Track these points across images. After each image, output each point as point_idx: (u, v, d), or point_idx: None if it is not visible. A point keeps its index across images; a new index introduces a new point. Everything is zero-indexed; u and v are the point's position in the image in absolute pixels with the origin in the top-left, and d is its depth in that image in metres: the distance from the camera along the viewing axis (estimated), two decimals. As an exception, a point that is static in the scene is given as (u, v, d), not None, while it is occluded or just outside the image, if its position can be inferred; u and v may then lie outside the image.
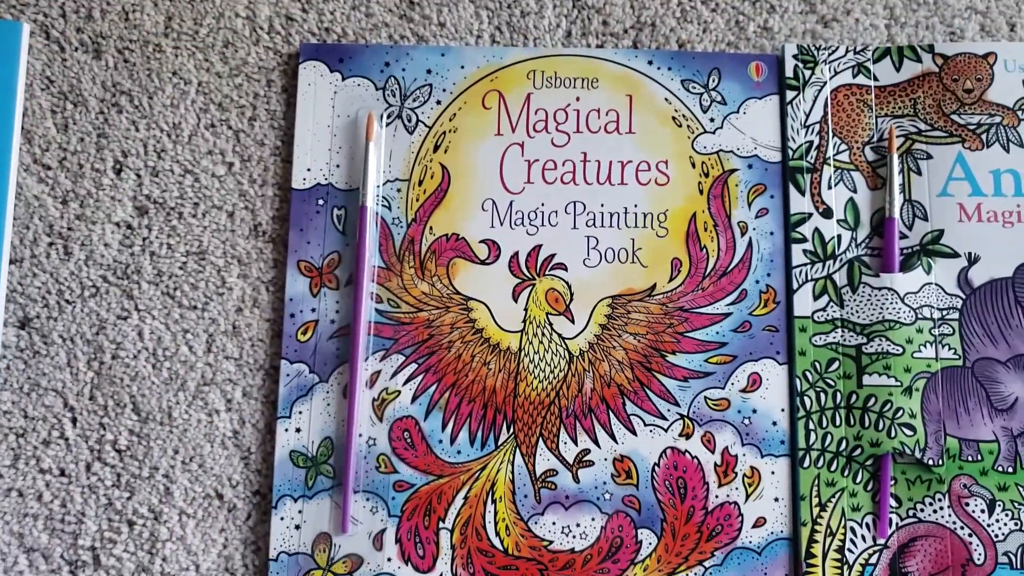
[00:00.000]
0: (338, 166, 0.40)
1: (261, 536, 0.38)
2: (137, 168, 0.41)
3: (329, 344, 0.38)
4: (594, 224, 0.40)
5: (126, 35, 0.42)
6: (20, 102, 0.41)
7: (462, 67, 0.41)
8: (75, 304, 0.40)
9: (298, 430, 0.38)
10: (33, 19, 0.42)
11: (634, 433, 0.38)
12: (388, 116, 0.40)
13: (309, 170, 0.40)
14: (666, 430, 0.38)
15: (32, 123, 0.41)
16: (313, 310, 0.39)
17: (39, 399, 0.39)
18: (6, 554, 0.38)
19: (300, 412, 0.38)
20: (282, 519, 0.37)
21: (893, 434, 0.38)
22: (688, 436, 0.38)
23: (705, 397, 0.38)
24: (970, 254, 0.39)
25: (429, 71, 0.41)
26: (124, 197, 0.41)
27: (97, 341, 0.39)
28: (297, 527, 0.37)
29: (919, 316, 0.39)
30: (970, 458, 0.38)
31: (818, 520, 0.38)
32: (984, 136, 0.40)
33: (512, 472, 0.38)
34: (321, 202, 0.40)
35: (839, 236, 0.40)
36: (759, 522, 0.38)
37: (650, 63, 0.41)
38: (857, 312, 0.39)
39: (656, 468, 0.38)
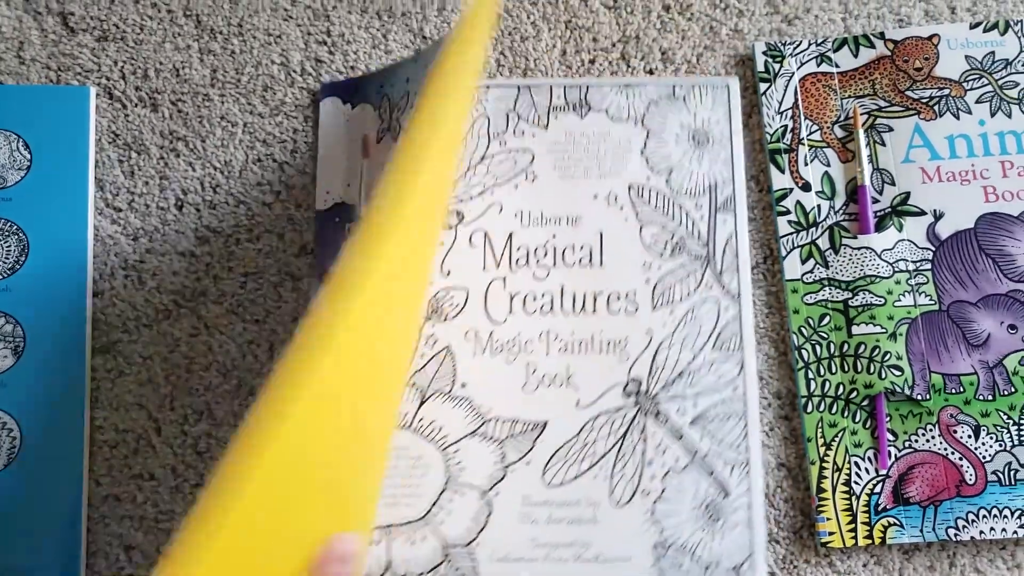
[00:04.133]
0: (348, 185, 0.46)
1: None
2: (196, 203, 0.46)
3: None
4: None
5: (178, 89, 0.48)
6: (92, 155, 0.46)
7: (426, 66, 0.44)
8: (151, 327, 0.45)
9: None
10: (97, 83, 0.48)
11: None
12: (380, 132, 0.46)
13: (328, 192, 0.45)
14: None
15: (102, 172, 0.47)
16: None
17: (126, 413, 0.44)
18: (108, 552, 0.43)
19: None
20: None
21: (884, 376, 0.43)
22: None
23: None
24: (935, 211, 0.44)
25: (408, 79, 0.45)
26: (187, 230, 0.46)
27: (172, 358, 0.45)
28: None
29: (896, 270, 0.44)
30: (954, 391, 0.43)
31: (825, 458, 0.42)
32: (936, 107, 0.46)
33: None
34: (338, 219, 0.45)
35: (819, 206, 0.45)
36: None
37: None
38: (841, 271, 0.44)
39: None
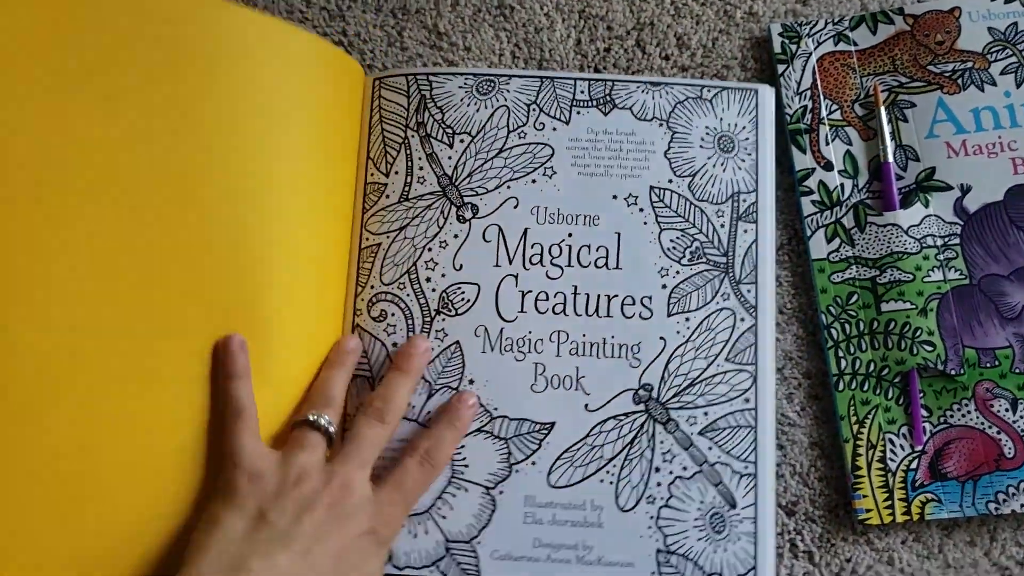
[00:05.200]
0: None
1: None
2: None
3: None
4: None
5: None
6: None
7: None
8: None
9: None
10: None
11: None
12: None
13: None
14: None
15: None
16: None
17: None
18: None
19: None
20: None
21: (915, 352, 0.42)
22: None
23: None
24: (962, 185, 0.44)
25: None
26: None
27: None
28: None
29: (924, 245, 0.43)
30: (988, 364, 0.42)
31: (858, 436, 0.42)
32: (960, 80, 0.45)
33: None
34: None
35: (841, 185, 0.45)
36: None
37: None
38: (867, 249, 0.44)
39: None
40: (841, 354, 0.43)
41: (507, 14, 0.49)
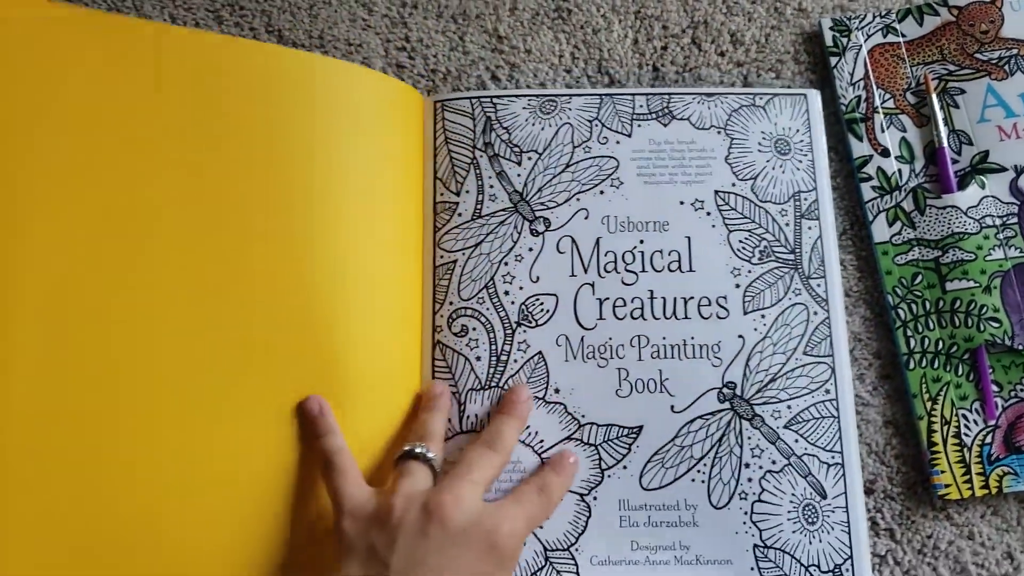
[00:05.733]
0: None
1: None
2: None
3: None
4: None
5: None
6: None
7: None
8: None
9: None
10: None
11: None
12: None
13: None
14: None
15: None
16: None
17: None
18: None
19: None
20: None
21: (982, 328, 0.43)
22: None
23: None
24: (1016, 166, 0.45)
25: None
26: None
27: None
28: None
29: (983, 225, 0.45)
30: (1054, 338, 0.43)
31: (932, 413, 0.43)
32: (1007, 67, 0.47)
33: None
34: None
35: (899, 170, 0.46)
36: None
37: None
38: (928, 231, 0.45)
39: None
40: (910, 333, 0.44)
41: (565, 16, 0.50)
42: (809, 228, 0.45)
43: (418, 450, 0.38)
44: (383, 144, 0.44)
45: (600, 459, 0.42)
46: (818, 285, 0.44)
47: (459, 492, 0.35)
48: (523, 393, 0.42)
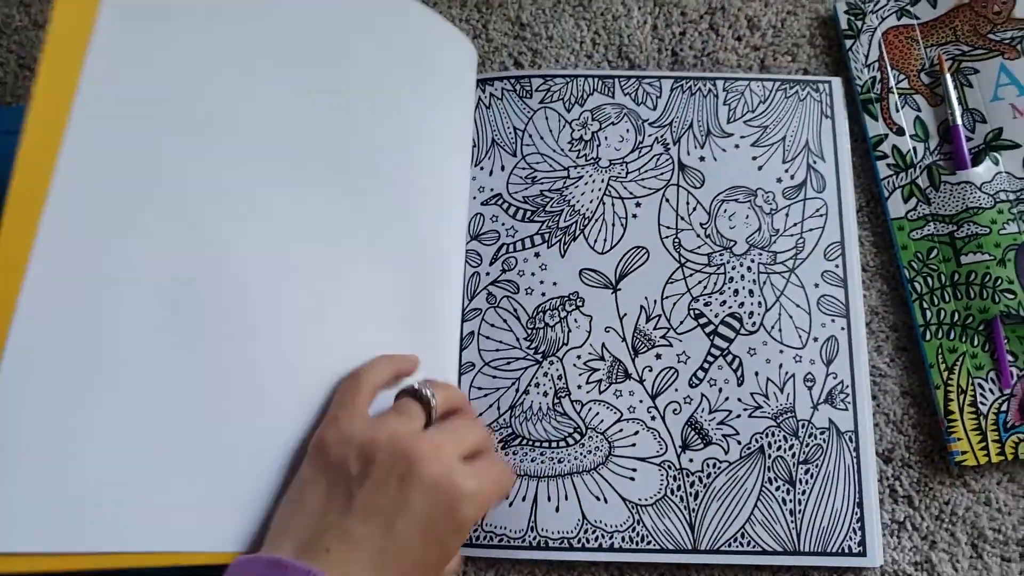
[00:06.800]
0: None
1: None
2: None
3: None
4: None
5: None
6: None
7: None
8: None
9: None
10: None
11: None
12: None
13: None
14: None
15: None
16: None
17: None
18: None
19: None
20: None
21: (997, 300, 0.44)
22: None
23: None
24: (1029, 143, 0.47)
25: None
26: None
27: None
28: None
29: (997, 200, 0.46)
30: (1068, 309, 0.44)
31: (948, 382, 0.44)
32: (1020, 46, 0.48)
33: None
34: None
35: (914, 148, 0.48)
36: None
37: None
38: (943, 206, 0.46)
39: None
40: (926, 306, 0.45)
41: (586, 4, 0.52)
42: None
43: (422, 391, 0.38)
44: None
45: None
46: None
47: (441, 443, 0.35)
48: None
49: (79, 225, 0.32)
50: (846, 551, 0.42)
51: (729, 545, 0.42)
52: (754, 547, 0.42)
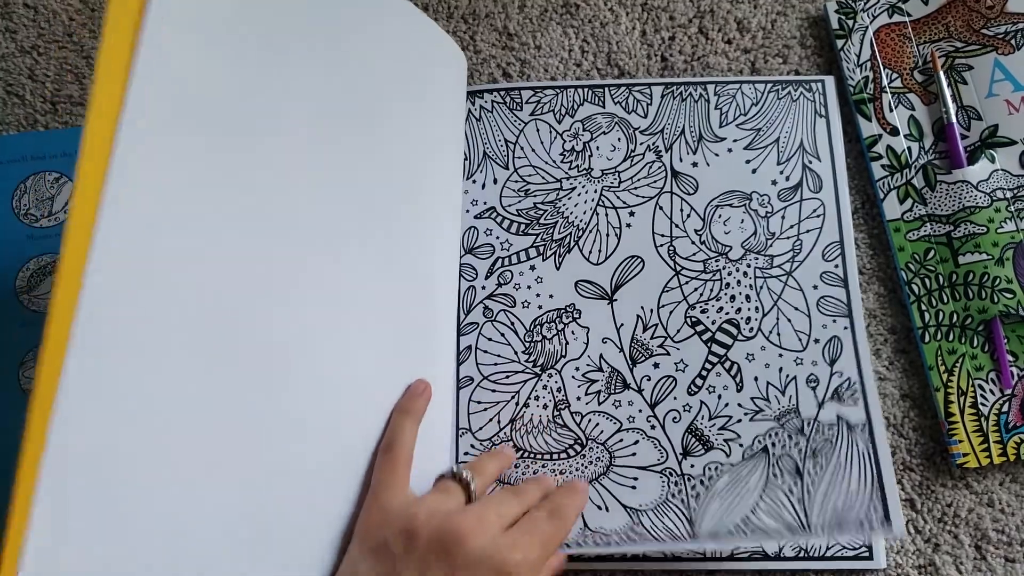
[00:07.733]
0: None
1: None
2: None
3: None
4: None
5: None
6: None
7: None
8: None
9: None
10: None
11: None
12: None
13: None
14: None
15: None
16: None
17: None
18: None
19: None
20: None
21: (996, 300, 0.44)
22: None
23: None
24: (1025, 139, 0.46)
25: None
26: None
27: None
28: None
29: (994, 198, 0.45)
30: (1068, 307, 0.44)
31: (948, 384, 0.44)
32: (1013, 41, 0.47)
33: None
34: None
35: (908, 148, 0.47)
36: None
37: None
38: (939, 206, 0.46)
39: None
40: (924, 308, 0.45)
41: (573, 11, 0.51)
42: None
43: (462, 473, 0.38)
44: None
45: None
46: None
47: (484, 515, 0.35)
48: (547, 481, 0.42)
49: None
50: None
51: (731, 533, 0.42)
52: (757, 533, 0.42)
